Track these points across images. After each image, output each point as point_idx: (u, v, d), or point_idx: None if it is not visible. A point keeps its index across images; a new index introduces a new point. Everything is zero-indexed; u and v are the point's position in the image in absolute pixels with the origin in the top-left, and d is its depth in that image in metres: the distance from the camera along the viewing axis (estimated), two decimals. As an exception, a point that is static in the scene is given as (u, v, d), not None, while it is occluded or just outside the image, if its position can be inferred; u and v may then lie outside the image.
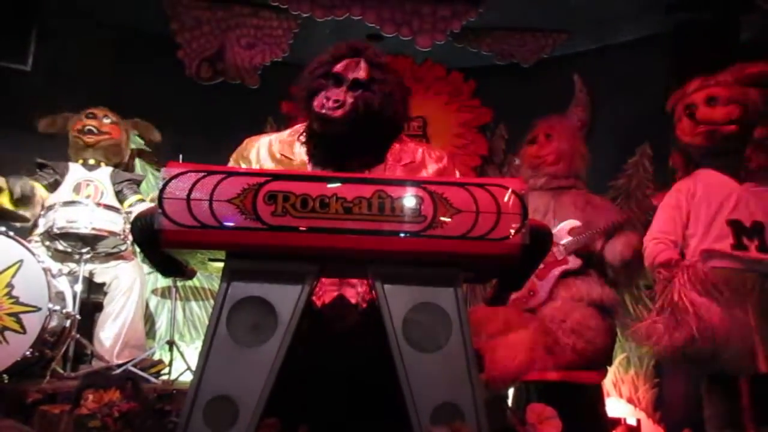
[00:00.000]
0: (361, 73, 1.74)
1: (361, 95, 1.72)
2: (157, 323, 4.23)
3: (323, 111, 1.70)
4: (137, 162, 4.21)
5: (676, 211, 2.53)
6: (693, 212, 2.49)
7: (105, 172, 3.63)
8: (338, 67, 1.74)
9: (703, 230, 2.43)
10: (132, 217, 3.25)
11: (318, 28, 4.24)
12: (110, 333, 3.27)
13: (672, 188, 2.64)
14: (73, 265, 3.19)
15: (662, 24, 3.96)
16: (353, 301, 1.72)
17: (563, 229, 2.98)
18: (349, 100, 1.71)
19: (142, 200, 3.61)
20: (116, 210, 3.29)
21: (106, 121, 3.68)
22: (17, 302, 2.67)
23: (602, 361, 2.82)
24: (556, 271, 2.94)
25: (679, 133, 2.62)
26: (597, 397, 2.87)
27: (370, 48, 1.79)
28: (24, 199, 3.22)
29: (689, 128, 2.54)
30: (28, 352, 2.64)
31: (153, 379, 3.11)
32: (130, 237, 3.19)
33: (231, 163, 1.89)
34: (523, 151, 3.42)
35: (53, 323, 2.80)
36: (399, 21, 4.17)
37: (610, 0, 3.90)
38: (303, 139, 1.86)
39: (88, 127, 3.59)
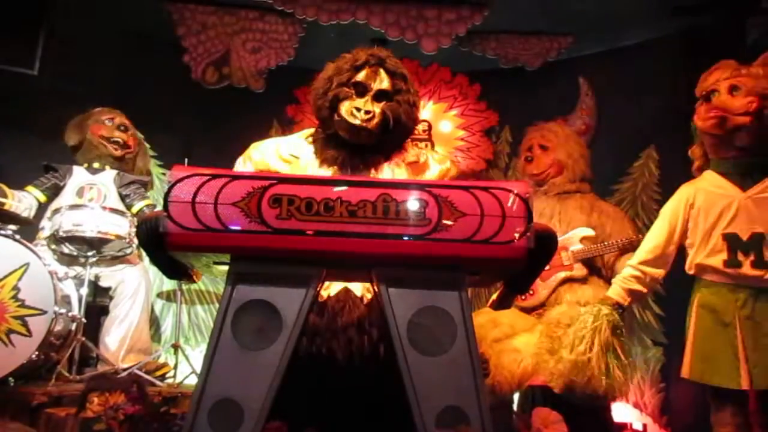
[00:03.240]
0: (386, 84, 1.84)
1: (387, 106, 1.82)
2: (163, 326, 4.24)
3: (357, 122, 1.78)
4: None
5: (672, 221, 2.50)
6: (692, 222, 2.45)
7: (109, 175, 3.64)
8: (360, 77, 1.83)
9: (699, 243, 2.40)
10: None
11: (323, 32, 4.25)
12: (116, 337, 3.28)
13: (674, 195, 2.60)
14: (79, 269, 3.20)
15: (668, 27, 3.95)
16: (358, 294, 1.73)
17: (576, 236, 2.97)
18: (377, 110, 1.80)
19: (151, 205, 3.62)
20: (122, 213, 3.30)
21: (129, 133, 3.71)
22: (23, 305, 2.68)
23: (608, 365, 2.81)
24: (559, 276, 2.93)
25: (695, 118, 2.51)
26: (603, 401, 2.86)
27: (389, 57, 1.87)
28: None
29: (703, 112, 2.44)
30: (33, 355, 2.64)
31: (158, 383, 3.12)
32: (136, 240, 3.19)
33: (237, 167, 1.90)
34: (521, 167, 3.40)
35: (59, 326, 2.81)
36: (404, 25, 4.17)
37: (616, 3, 3.89)
38: (310, 140, 1.90)
39: (116, 139, 3.62)
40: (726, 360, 2.24)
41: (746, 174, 2.39)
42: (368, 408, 1.67)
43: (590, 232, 2.97)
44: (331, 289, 1.73)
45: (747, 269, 2.28)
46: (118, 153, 3.62)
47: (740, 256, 2.29)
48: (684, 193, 2.53)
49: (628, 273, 2.54)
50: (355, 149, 1.82)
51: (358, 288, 1.73)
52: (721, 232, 2.35)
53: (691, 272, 2.45)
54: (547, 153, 3.22)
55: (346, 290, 1.73)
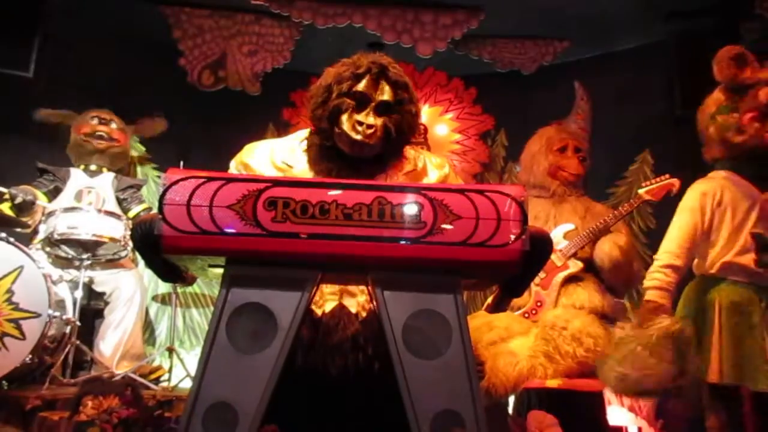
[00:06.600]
0: (387, 95, 1.75)
1: (390, 119, 1.75)
2: (157, 330, 4.22)
3: (359, 137, 1.71)
4: (138, 168, 4.23)
5: (698, 216, 2.39)
6: (717, 220, 2.37)
7: (107, 178, 3.64)
8: (361, 87, 1.74)
9: (725, 241, 2.34)
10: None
11: (319, 36, 4.26)
12: (110, 343, 3.28)
13: (693, 190, 2.48)
14: (73, 272, 3.19)
15: (663, 31, 3.97)
16: (353, 310, 1.71)
17: (558, 235, 2.97)
18: (379, 123, 1.73)
19: (148, 208, 3.62)
20: (117, 216, 3.30)
21: (114, 126, 3.71)
22: (17, 308, 2.66)
23: (603, 369, 2.81)
24: (559, 278, 2.94)
25: (754, 122, 2.36)
26: (598, 405, 2.86)
27: (391, 64, 1.79)
28: (25, 209, 3.23)
29: (760, 129, 2.34)
30: (27, 359, 2.63)
31: (152, 386, 3.10)
32: (131, 243, 3.19)
33: (231, 170, 1.89)
34: (544, 153, 3.32)
35: (53, 329, 2.80)
36: (400, 29, 4.19)
37: (611, 8, 3.92)
38: (304, 146, 1.87)
39: (99, 132, 3.62)
40: (757, 362, 2.19)
41: (762, 176, 2.36)
42: (362, 422, 1.66)
43: (570, 227, 2.97)
44: (326, 305, 1.71)
45: None
46: (102, 145, 3.62)
47: (767, 257, 2.27)
48: (707, 188, 2.43)
49: (671, 275, 2.39)
50: (351, 161, 1.76)
51: (353, 304, 1.72)
52: (749, 231, 2.30)
53: (713, 271, 2.37)
54: (579, 156, 3.23)
55: (341, 306, 1.71)
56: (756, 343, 2.23)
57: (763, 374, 2.18)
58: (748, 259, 2.29)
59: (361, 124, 1.71)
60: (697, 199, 2.42)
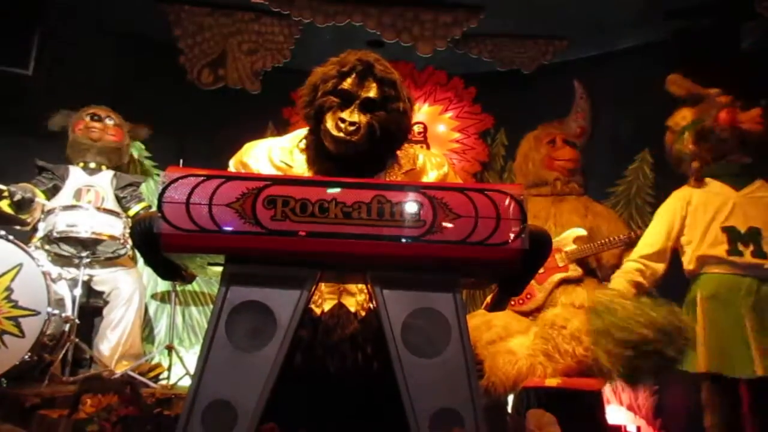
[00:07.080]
0: (373, 92, 1.73)
1: (375, 116, 1.72)
2: (157, 328, 4.22)
3: (341, 135, 1.69)
4: (138, 166, 4.23)
5: (670, 218, 2.58)
6: (689, 219, 2.54)
7: (106, 176, 3.64)
8: (347, 84, 1.73)
9: (699, 237, 2.48)
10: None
11: (319, 34, 4.25)
12: (109, 343, 3.28)
13: (669, 198, 2.69)
14: (73, 270, 3.19)
15: (662, 31, 3.97)
16: (352, 309, 1.71)
17: (569, 237, 2.98)
18: (364, 120, 1.71)
19: (148, 207, 3.63)
20: (116, 214, 3.29)
21: (110, 122, 3.72)
22: (16, 306, 2.66)
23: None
24: (555, 278, 2.94)
25: (729, 116, 2.57)
26: (597, 404, 2.86)
27: (378, 61, 1.76)
28: (24, 206, 3.23)
29: (757, 116, 2.55)
30: (26, 356, 2.63)
31: (152, 384, 3.11)
32: (130, 241, 3.19)
33: (231, 168, 1.89)
34: (535, 148, 3.38)
35: (52, 327, 2.79)
36: (400, 27, 4.18)
37: (611, 7, 3.91)
38: (303, 146, 1.87)
39: (92, 128, 3.63)
40: (739, 350, 2.27)
41: (737, 176, 2.53)
42: (362, 421, 1.66)
43: (582, 232, 2.98)
44: (325, 305, 1.71)
45: (748, 258, 2.36)
46: (95, 136, 3.64)
47: (740, 246, 2.38)
48: (680, 193, 2.64)
49: (631, 267, 2.58)
50: (346, 162, 1.74)
51: (352, 304, 1.72)
52: (719, 226, 2.43)
53: (691, 267, 2.50)
54: (570, 147, 3.26)
55: (340, 306, 1.71)
56: (737, 331, 2.30)
57: (740, 360, 2.25)
58: (721, 251, 2.40)
59: (344, 121, 1.69)
60: (670, 203, 2.64)
